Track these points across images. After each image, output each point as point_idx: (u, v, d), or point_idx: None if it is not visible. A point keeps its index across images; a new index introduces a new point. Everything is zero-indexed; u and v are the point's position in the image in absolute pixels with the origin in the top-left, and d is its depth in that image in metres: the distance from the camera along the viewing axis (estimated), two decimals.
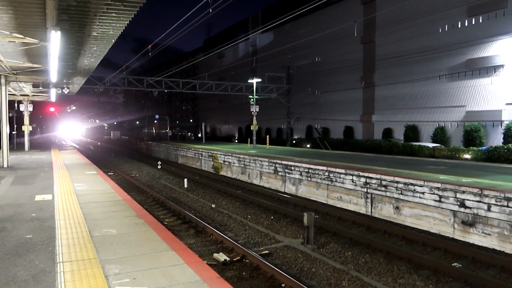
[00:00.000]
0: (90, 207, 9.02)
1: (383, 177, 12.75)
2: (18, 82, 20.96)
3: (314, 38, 37.02)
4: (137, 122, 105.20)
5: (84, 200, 9.83)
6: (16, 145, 32.77)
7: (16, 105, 29.43)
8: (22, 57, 14.71)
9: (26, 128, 28.33)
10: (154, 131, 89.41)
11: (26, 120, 28.00)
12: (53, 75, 15.68)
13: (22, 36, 11.08)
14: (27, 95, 27.85)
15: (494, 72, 25.68)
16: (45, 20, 9.53)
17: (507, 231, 9.19)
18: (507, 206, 9.21)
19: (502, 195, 9.35)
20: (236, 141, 53.69)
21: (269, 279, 7.58)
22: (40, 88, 21.47)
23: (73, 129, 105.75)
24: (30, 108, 28.41)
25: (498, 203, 9.40)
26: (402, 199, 12.00)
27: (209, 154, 26.27)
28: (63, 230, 6.96)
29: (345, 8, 38.41)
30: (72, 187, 11.78)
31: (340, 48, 38.55)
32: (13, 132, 33.08)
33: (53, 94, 24.55)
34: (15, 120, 32.28)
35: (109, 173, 23.52)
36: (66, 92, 22.83)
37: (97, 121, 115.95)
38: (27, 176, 14.23)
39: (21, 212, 8.41)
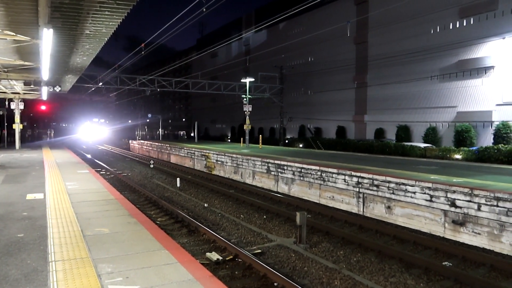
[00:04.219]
0: (82, 206, 8.96)
1: (375, 176, 12.84)
2: (9, 80, 20.76)
3: (307, 38, 37.13)
4: (130, 121, 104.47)
5: (76, 199, 9.77)
6: (6, 143, 32.45)
7: (6, 103, 29.12)
8: (13, 55, 14.57)
9: (17, 126, 28.10)
10: (146, 130, 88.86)
11: (17, 118, 27.78)
12: (45, 73, 15.55)
13: (14, 34, 10.99)
14: (18, 93, 27.57)
15: (485, 73, 25.96)
16: (37, 18, 9.47)
17: (496, 230, 9.31)
18: (497, 206, 9.33)
19: (492, 194, 9.48)
20: (229, 140, 53.65)
21: (262, 278, 7.61)
22: (32, 86, 21.28)
23: (94, 130, 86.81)
24: (21, 106, 28.15)
25: (488, 203, 9.52)
26: (393, 199, 12.10)
27: (202, 153, 26.23)
28: (55, 229, 6.92)
29: (338, 9, 38.56)
30: (64, 186, 11.70)
31: (333, 48, 38.70)
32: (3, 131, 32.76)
33: (44, 92, 24.35)
34: (6, 118, 31.97)
35: (101, 172, 23.38)
36: (57, 90, 22.70)
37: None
38: (18, 175, 14.10)
39: (12, 211, 8.34)
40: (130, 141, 53.75)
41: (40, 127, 67.86)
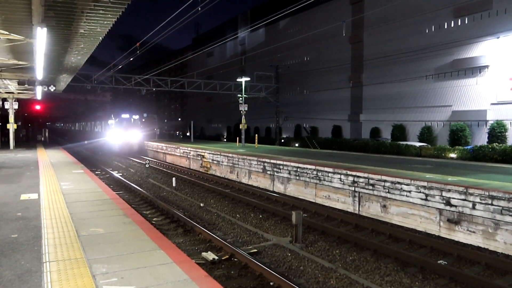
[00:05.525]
0: (77, 206, 8.91)
1: (371, 176, 12.86)
2: (3, 79, 20.61)
3: (303, 37, 37.17)
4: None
5: (71, 199, 9.72)
6: (1, 144, 32.22)
7: (0, 102, 28.92)
8: (7, 54, 14.46)
9: (11, 126, 27.93)
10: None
11: (11, 118, 27.62)
12: (39, 73, 15.46)
13: (7, 33, 10.91)
14: (12, 93, 27.39)
15: (479, 73, 26.10)
16: (31, 17, 9.39)
17: (491, 228, 9.36)
18: (491, 204, 9.38)
19: (487, 193, 9.52)
20: (225, 140, 53.59)
21: (258, 278, 7.60)
22: (26, 85, 21.15)
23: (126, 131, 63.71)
24: (15, 106, 27.98)
25: (483, 201, 9.57)
26: (389, 198, 12.13)
27: (198, 153, 26.18)
28: (50, 230, 6.87)
29: (333, 8, 38.62)
30: (59, 186, 11.63)
31: (329, 48, 38.76)
32: None
33: (39, 92, 24.22)
34: (0, 118, 31.75)
35: (96, 172, 23.28)
36: (52, 90, 22.54)
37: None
38: (12, 175, 14.00)
39: (6, 211, 8.27)
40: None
41: (35, 127, 65.74)
